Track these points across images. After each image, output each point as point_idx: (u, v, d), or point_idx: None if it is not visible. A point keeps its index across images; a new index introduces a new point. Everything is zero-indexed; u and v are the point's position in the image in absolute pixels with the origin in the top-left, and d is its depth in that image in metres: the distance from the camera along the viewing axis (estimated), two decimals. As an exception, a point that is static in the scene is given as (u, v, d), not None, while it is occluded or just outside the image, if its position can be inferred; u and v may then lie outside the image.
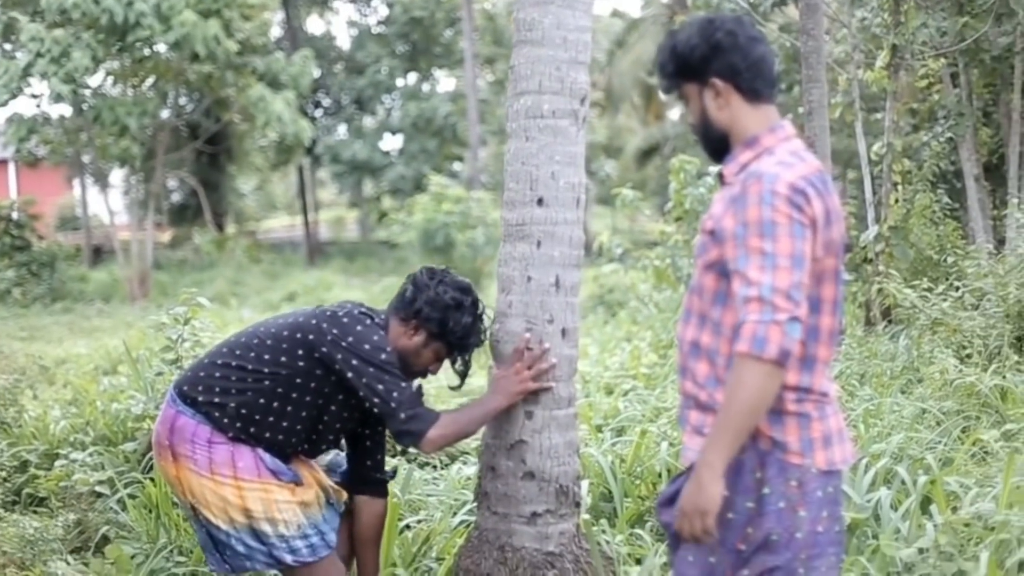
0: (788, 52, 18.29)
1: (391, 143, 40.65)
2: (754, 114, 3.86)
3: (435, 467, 8.48)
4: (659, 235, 16.95)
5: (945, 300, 9.27)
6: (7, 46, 23.34)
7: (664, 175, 28.38)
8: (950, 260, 10.58)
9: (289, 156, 32.57)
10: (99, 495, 7.35)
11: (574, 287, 4.91)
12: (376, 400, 4.61)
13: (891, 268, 11.10)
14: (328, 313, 4.76)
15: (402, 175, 37.87)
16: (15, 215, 25.76)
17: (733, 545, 3.74)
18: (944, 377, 7.65)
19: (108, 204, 29.04)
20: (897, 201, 11.68)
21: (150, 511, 6.81)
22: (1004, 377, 7.61)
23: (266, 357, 4.70)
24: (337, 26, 65.29)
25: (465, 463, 8.30)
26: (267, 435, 4.72)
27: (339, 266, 34.50)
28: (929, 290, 9.57)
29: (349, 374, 4.61)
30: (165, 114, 27.39)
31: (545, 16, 4.80)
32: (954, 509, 5.77)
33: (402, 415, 4.61)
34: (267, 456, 4.71)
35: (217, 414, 4.66)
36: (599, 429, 9.00)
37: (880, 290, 10.81)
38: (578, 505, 5.01)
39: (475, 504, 5.10)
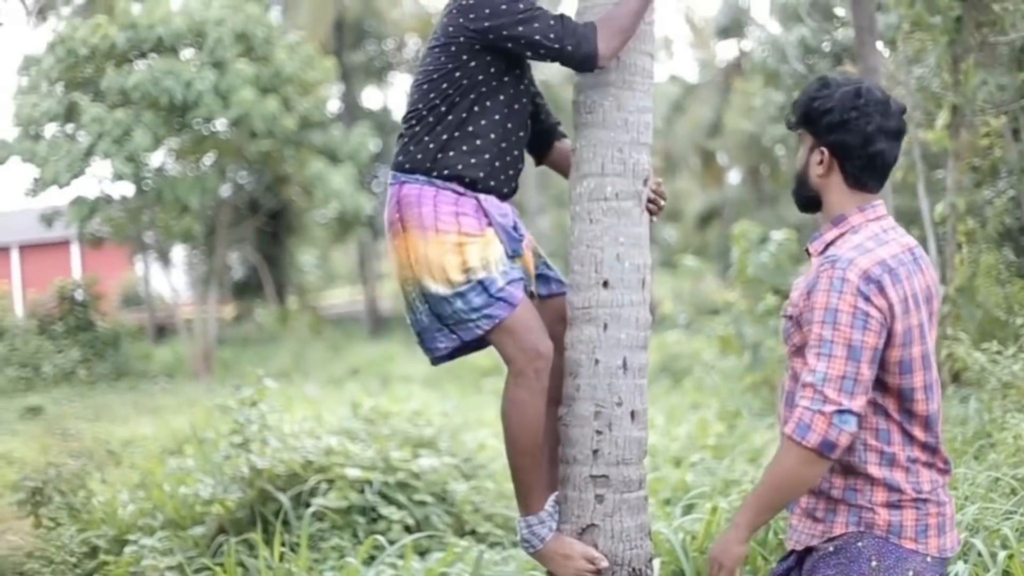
0: (847, 115, 18.24)
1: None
2: (850, 196, 3.90)
3: (504, 547, 8.43)
4: (722, 303, 16.88)
5: (1015, 362, 9.15)
6: (69, 127, 23.55)
7: (724, 239, 28.35)
8: (1019, 321, 10.46)
9: (349, 229, 32.70)
10: (169, 581, 7.35)
11: (642, 368, 4.88)
12: (537, 49, 4.67)
13: (959, 330, 10.99)
14: (453, 10, 4.77)
15: (462, 246, 37.96)
16: (79, 295, 25.97)
17: None
18: (1018, 443, 7.53)
19: (171, 281, 29.23)
20: (962, 262, 11.59)
21: (220, 597, 6.79)
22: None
23: (435, 80, 4.76)
24: (394, 98, 65.73)
25: (535, 542, 8.22)
26: (475, 160, 4.76)
27: (401, 338, 34.44)
28: (999, 352, 9.45)
29: (503, 39, 4.67)
30: (225, 191, 27.59)
31: (605, 98, 4.79)
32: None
33: (568, 47, 4.64)
34: (494, 206, 4.80)
35: (429, 164, 4.73)
36: (667, 503, 8.95)
37: (949, 354, 10.70)
38: (651, 588, 4.96)
39: (548, 587, 5.05)
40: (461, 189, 4.73)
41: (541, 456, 4.82)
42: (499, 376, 20.19)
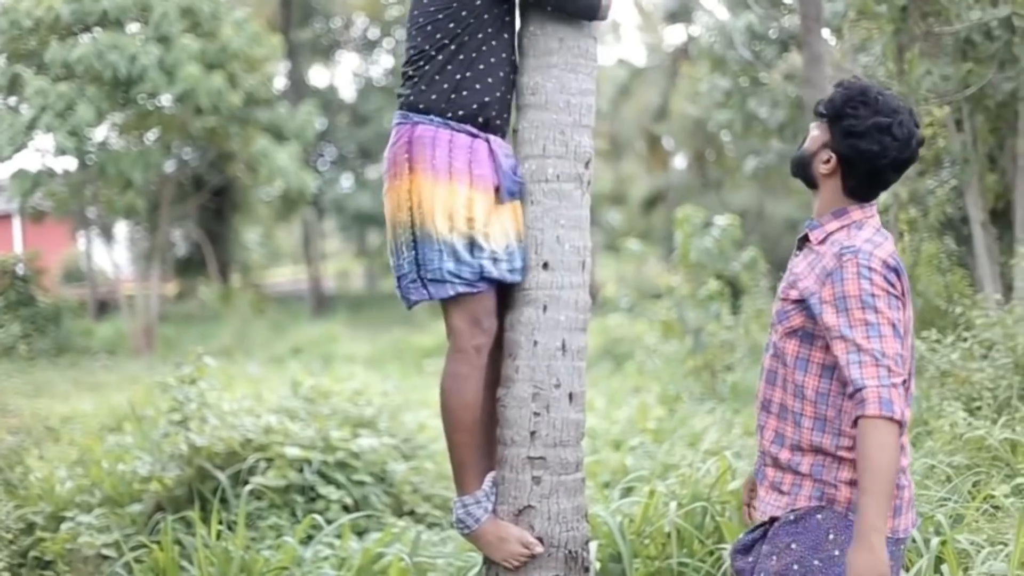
0: (793, 101, 18.31)
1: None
2: (844, 198, 4.09)
3: (443, 528, 8.43)
4: (665, 287, 16.90)
5: (954, 351, 9.20)
6: (11, 100, 23.32)
7: (668, 223, 28.39)
8: (958, 310, 10.51)
9: (294, 208, 32.55)
10: (105, 558, 7.30)
11: (581, 351, 4.89)
12: None
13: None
14: None
15: (407, 226, 37.88)
16: (20, 269, 25.74)
17: None
18: (954, 430, 7.58)
19: (113, 257, 29.07)
20: (904, 250, 11.64)
21: (157, 575, 6.75)
22: (1014, 430, 7.54)
23: (439, 20, 4.78)
24: (341, 77, 65.50)
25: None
26: (488, 99, 4.79)
27: (345, 318, 34.43)
28: (937, 341, 9.50)
29: None
30: (169, 167, 27.40)
31: (548, 80, 4.80)
32: (965, 569, 5.72)
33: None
34: (500, 147, 4.84)
35: (444, 104, 4.74)
36: (607, 486, 8.96)
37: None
38: (587, 570, 4.98)
39: (483, 569, 5.05)
40: (475, 130, 4.75)
41: (478, 435, 4.83)
42: (441, 357, 20.18)
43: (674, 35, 43.82)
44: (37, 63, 22.26)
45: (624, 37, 58.38)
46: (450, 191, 4.64)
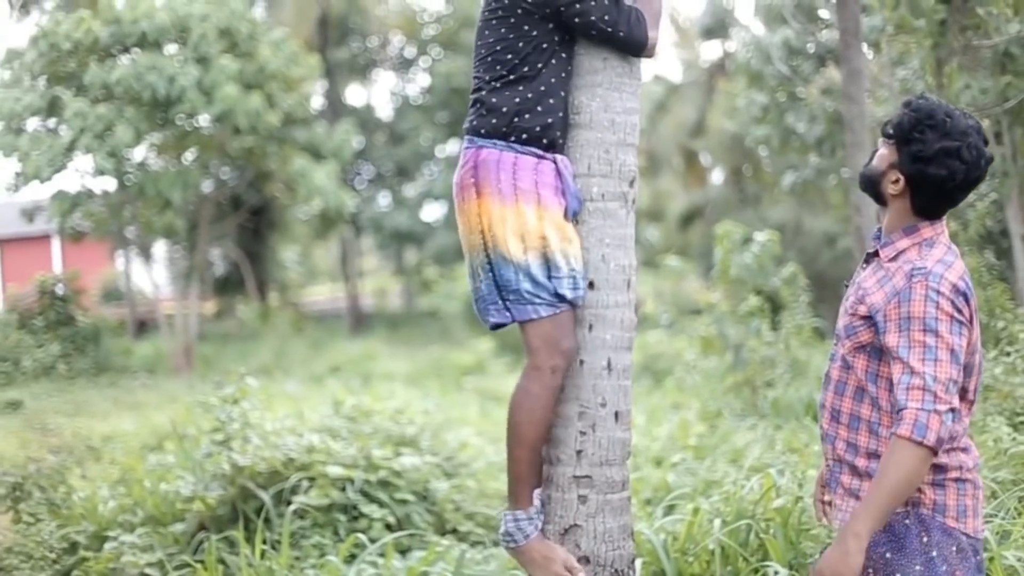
0: (830, 116, 18.26)
1: (433, 212, 40.71)
2: (913, 216, 4.08)
3: (485, 546, 8.43)
4: (704, 303, 16.87)
5: (996, 366, 9.17)
6: (51, 122, 23.42)
7: (707, 239, 28.35)
8: (1000, 324, 10.47)
9: (331, 226, 32.58)
10: (148, 577, 7.33)
11: (626, 370, 4.89)
12: (590, 29, 4.80)
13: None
14: None
15: (445, 244, 37.87)
16: (59, 289, 25.85)
17: None
18: (998, 445, 7.55)
19: (152, 277, 29.12)
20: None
21: (201, 595, 6.77)
22: (1059, 445, 7.50)
23: (498, 51, 4.82)
24: (378, 96, 65.64)
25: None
26: (551, 120, 4.80)
27: (383, 336, 34.46)
28: (980, 356, 9.43)
29: (561, 14, 4.76)
30: (208, 187, 27.46)
31: (593, 100, 4.80)
32: (1015, 586, 5.69)
33: (621, 32, 4.80)
34: (566, 166, 4.84)
35: (506, 128, 4.76)
36: (648, 503, 8.95)
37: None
38: (633, 588, 4.96)
39: (528, 587, 5.05)
40: (540, 152, 4.76)
41: (539, 453, 4.83)
42: (480, 375, 20.21)
43: (711, 51, 43.78)
44: (76, 85, 22.38)
45: (661, 54, 58.34)
46: (517, 213, 4.66)
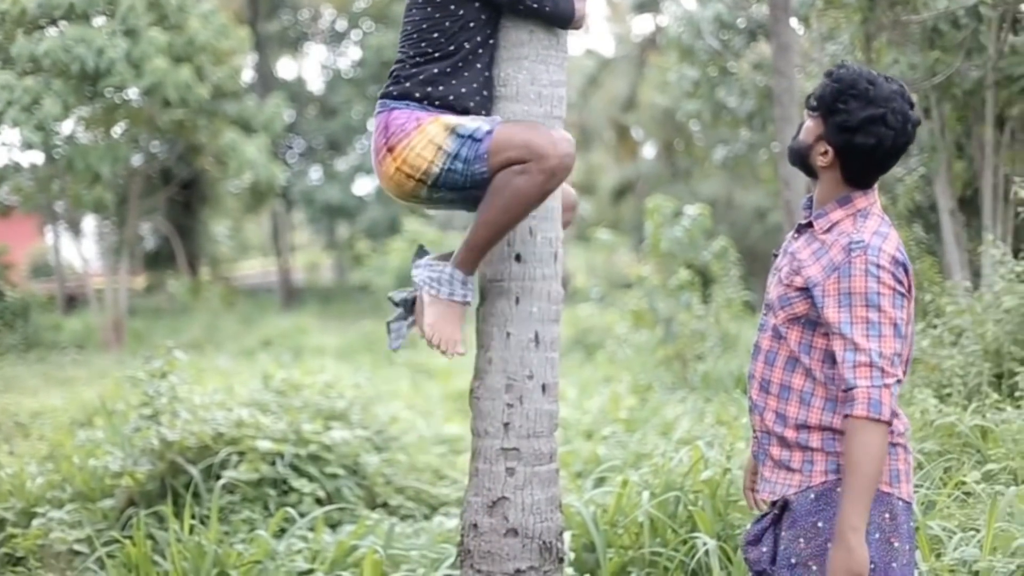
0: (761, 91, 18.33)
1: (365, 186, 40.58)
2: (844, 186, 4.07)
3: (416, 519, 8.44)
4: (635, 277, 16.92)
5: (924, 338, 9.24)
6: (-23, 96, 23.19)
7: (638, 213, 28.42)
8: (927, 298, 10.55)
9: (262, 200, 32.43)
10: (77, 554, 7.29)
11: (553, 342, 4.90)
12: (523, 4, 4.81)
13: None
14: None
15: (376, 218, 37.80)
16: (-12, 264, 25.64)
17: None
18: (924, 417, 7.61)
19: (81, 251, 28.94)
20: (873, 238, 11.66)
21: (130, 571, 6.74)
22: (984, 416, 7.57)
23: (424, 30, 4.82)
24: (309, 69, 65.36)
25: (447, 515, 8.27)
26: (466, 91, 4.83)
27: (315, 310, 34.36)
28: (907, 328, 9.49)
29: None
30: (137, 161, 27.28)
31: (519, 72, 4.80)
32: (938, 555, 5.75)
33: (547, 7, 4.82)
34: None
35: (419, 93, 4.79)
36: (579, 476, 8.98)
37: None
38: (562, 560, 4.99)
39: (458, 560, 5.05)
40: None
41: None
42: (412, 349, 20.14)
43: (642, 25, 43.97)
44: (3, 57, 22.11)
45: (592, 28, 58.32)
46: (421, 133, 4.67)
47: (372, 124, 35.35)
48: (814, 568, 3.94)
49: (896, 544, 3.91)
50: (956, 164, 13.66)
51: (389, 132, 4.71)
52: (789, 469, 4.04)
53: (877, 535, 3.88)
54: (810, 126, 4.08)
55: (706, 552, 6.22)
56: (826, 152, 4.01)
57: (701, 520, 6.49)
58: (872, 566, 3.85)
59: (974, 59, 12.21)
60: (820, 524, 3.95)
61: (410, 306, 5.14)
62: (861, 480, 3.74)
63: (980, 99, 12.73)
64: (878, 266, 3.81)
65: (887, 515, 3.91)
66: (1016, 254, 10.00)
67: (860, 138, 3.91)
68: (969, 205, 14.00)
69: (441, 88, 4.73)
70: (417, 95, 4.73)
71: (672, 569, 6.34)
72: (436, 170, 4.65)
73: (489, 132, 4.63)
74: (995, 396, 7.89)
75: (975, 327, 9.06)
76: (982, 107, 12.79)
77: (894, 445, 3.95)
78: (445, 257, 5.00)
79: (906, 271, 3.89)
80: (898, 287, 3.83)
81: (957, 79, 12.37)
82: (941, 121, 13.14)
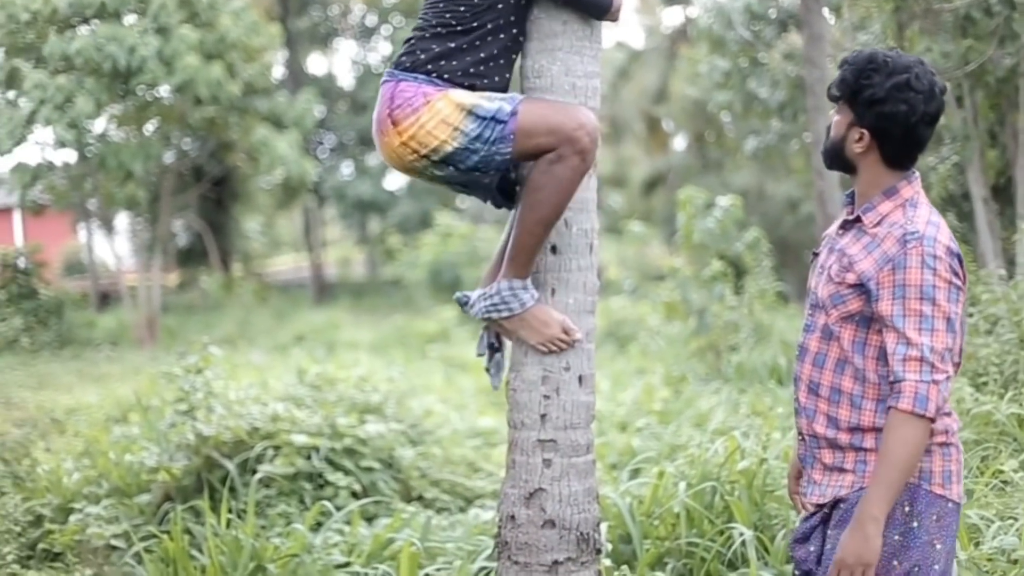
0: (792, 81, 18.28)
1: (396, 181, 40.63)
2: (886, 172, 4.01)
3: (451, 512, 8.45)
4: (668, 268, 16.91)
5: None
6: (10, 94, 23.25)
7: (670, 205, 28.40)
8: (963, 286, 10.49)
9: (294, 196, 32.55)
10: (114, 548, 7.32)
11: (589, 333, 4.89)
12: None
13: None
14: None
15: (408, 212, 37.84)
16: (21, 263, 25.71)
17: None
18: (961, 406, 7.59)
19: (114, 249, 29.01)
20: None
21: (167, 565, 6.76)
22: (1021, 404, 7.56)
23: (451, 3, 4.75)
24: (339, 65, 65.41)
25: (482, 507, 8.28)
26: (475, 71, 4.76)
27: (347, 305, 34.41)
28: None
29: None
30: (169, 158, 27.32)
31: (553, 63, 4.78)
32: (976, 544, 5.74)
33: None
34: None
35: (431, 66, 4.71)
36: (614, 467, 8.98)
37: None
38: (599, 552, 4.97)
39: (495, 552, 5.06)
40: None
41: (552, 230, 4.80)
42: (444, 343, 20.20)
43: (672, 16, 43.87)
44: (35, 56, 22.22)
45: (623, 19, 58.38)
46: (431, 109, 4.60)
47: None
48: None
49: (939, 546, 3.88)
50: (989, 152, 13.62)
51: (394, 104, 4.65)
52: (842, 471, 4.01)
53: (925, 537, 3.85)
54: (838, 119, 4.05)
55: (743, 543, 6.22)
56: (861, 137, 3.96)
57: (738, 511, 6.48)
58: (917, 568, 3.84)
59: (1007, 47, 12.17)
60: None
61: (497, 342, 5.10)
62: (892, 473, 3.72)
63: (1013, 87, 12.69)
64: (935, 257, 3.76)
65: (934, 517, 3.88)
66: (1051, 242, 9.96)
67: (891, 107, 3.87)
68: (1002, 193, 13.96)
69: (454, 63, 4.68)
70: (428, 68, 4.67)
71: (709, 560, 6.33)
72: (449, 149, 4.60)
73: (513, 113, 4.59)
74: (1032, 384, 7.86)
75: (1010, 315, 9.04)
76: (1015, 95, 12.75)
77: (947, 445, 3.92)
78: (490, 281, 5.00)
79: (960, 262, 3.84)
80: (954, 279, 3.78)
81: (990, 67, 12.34)
82: (974, 109, 13.10)
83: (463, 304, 4.99)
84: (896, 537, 3.85)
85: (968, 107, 13.11)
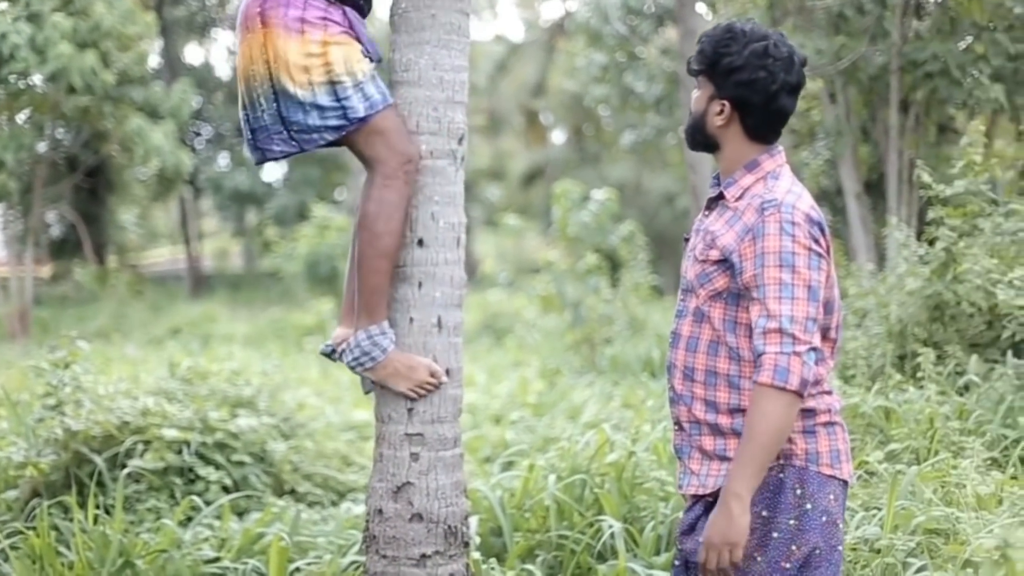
0: (669, 76, 18.42)
1: (273, 172, 40.44)
2: (749, 145, 3.97)
3: (323, 506, 8.42)
4: (544, 262, 16.98)
5: (829, 321, 9.32)
6: None
7: (548, 198, 28.51)
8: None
9: (170, 187, 32.19)
10: (-21, 546, 7.19)
11: (457, 327, 4.90)
12: None
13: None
14: None
15: (285, 204, 37.65)
16: None
17: (778, 564, 3.82)
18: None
19: (-15, 240, 28.63)
20: (779, 222, 11.75)
21: (34, 562, 6.66)
22: (887, 397, 7.66)
23: None
24: (216, 55, 64.84)
25: (354, 501, 8.25)
26: None
27: (224, 298, 34.18)
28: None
29: None
30: (42, 148, 26.91)
31: (421, 57, 4.78)
32: (841, 534, 5.81)
33: None
34: (356, 18, 4.76)
35: None
36: (487, 460, 9.00)
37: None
38: (467, 545, 4.99)
39: (363, 546, 5.05)
40: None
41: (394, 266, 4.78)
42: (321, 335, 20.10)
43: (551, 10, 44.10)
44: (-97, 44, 21.81)
45: (501, 13, 58.41)
46: (303, 43, 4.57)
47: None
48: (759, 559, 3.84)
49: (840, 525, 3.86)
50: (861, 148, 13.82)
51: (266, 4, 4.62)
52: (723, 459, 3.93)
53: (824, 518, 3.81)
54: (698, 94, 4.03)
55: (612, 534, 6.26)
56: (722, 109, 3.93)
57: (607, 503, 6.52)
58: (817, 550, 3.80)
59: (879, 44, 12.35)
60: (764, 513, 3.84)
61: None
62: (755, 449, 3.66)
63: (885, 84, 12.87)
64: (793, 224, 3.70)
65: (831, 497, 3.84)
66: (919, 237, 10.11)
67: (749, 73, 3.84)
68: (874, 189, 14.17)
69: None
70: None
71: (579, 552, 6.37)
72: (290, 90, 4.60)
73: (364, 119, 4.63)
74: (898, 377, 7.98)
75: (879, 309, 9.17)
76: (887, 92, 12.93)
77: (831, 424, 3.89)
78: (347, 320, 5.03)
79: (822, 230, 3.79)
80: (814, 246, 3.72)
81: (862, 64, 12.51)
82: (846, 105, 13.28)
83: (328, 355, 5.00)
84: (791, 522, 3.80)
85: (841, 103, 13.29)
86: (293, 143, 4.70)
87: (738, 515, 3.67)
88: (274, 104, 4.65)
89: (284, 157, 4.82)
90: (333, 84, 4.59)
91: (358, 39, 4.73)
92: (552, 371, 14.24)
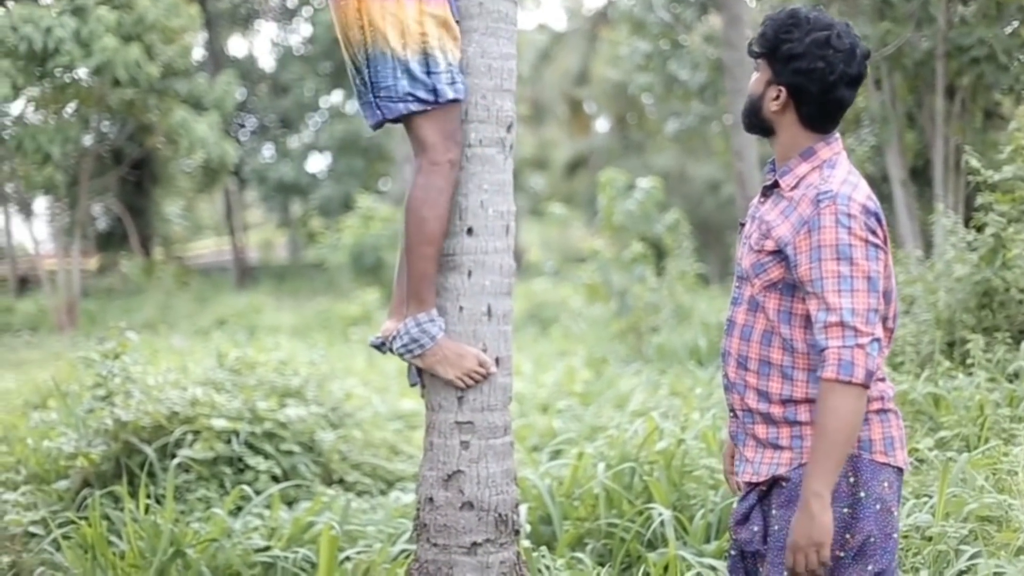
0: (712, 63, 18.37)
1: (318, 163, 40.44)
2: (804, 134, 3.93)
3: (372, 495, 8.44)
4: (589, 251, 16.97)
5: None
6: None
7: (592, 187, 28.48)
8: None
9: (214, 179, 32.31)
10: (32, 535, 7.25)
11: (506, 315, 4.89)
12: None
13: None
14: None
15: (330, 195, 37.69)
16: (-62, 247, 25.51)
17: (832, 553, 3.76)
18: (878, 386, 7.65)
19: (33, 233, 28.78)
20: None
21: (86, 551, 6.70)
22: (936, 384, 7.63)
23: None
24: (260, 47, 65.10)
25: (403, 490, 8.27)
26: None
27: (269, 289, 34.25)
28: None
29: None
30: (88, 141, 27.05)
31: (469, 45, 4.77)
32: (892, 522, 5.79)
33: None
34: None
35: None
36: (535, 449, 9.00)
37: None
38: (517, 533, 4.98)
39: (414, 534, 5.06)
40: None
41: (441, 251, 4.79)
42: (367, 326, 20.13)
43: (593, -1, 43.93)
44: (-51, 39, 21.95)
45: (544, 2, 58.40)
46: (399, 5, 4.55)
47: (325, 101, 35.07)
48: None
49: (895, 512, 3.81)
50: (907, 134, 13.75)
51: None
52: (777, 447, 3.91)
53: (878, 506, 3.75)
54: (757, 76, 3.98)
55: (661, 522, 6.25)
56: (778, 96, 3.89)
57: (656, 491, 6.52)
58: (871, 538, 3.76)
59: (924, 30, 12.30)
60: None
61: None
62: (828, 446, 3.62)
63: (930, 69, 12.82)
64: (849, 216, 3.64)
65: (885, 484, 3.78)
66: (967, 223, 10.05)
67: (808, 63, 3.79)
68: (920, 175, 14.09)
69: None
70: None
71: (628, 540, 6.37)
72: (385, 51, 4.60)
73: (459, 97, 4.66)
74: (947, 364, 7.95)
75: (927, 296, 9.12)
76: (932, 77, 12.88)
77: (884, 411, 3.83)
78: (397, 313, 5.02)
79: (879, 221, 3.73)
80: (871, 237, 3.67)
81: (907, 50, 12.46)
82: (892, 92, 13.22)
83: (378, 348, 5.00)
84: (845, 510, 3.76)
85: (886, 89, 13.22)
86: (378, 112, 4.69)
87: (819, 514, 3.62)
88: (368, 69, 4.65)
89: (379, 126, 4.82)
90: (426, 56, 4.59)
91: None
92: (599, 360, 14.23)
